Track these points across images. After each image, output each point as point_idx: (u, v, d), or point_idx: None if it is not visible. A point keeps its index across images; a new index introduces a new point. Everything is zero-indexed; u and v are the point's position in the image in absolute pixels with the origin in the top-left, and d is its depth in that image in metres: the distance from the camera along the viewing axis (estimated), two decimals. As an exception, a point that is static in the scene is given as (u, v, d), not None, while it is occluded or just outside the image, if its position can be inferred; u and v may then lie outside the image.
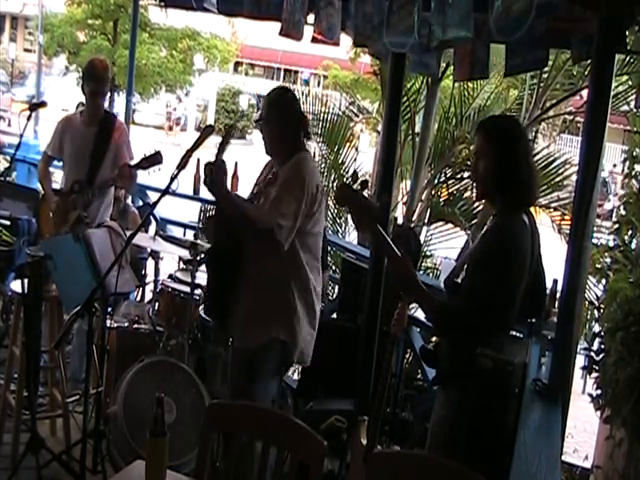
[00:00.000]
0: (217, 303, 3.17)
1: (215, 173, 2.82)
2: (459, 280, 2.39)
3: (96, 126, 4.13)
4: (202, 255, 3.85)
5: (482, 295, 2.24)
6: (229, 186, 3.13)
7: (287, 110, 3.04)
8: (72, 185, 4.13)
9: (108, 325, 3.48)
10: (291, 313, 2.97)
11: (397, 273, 2.40)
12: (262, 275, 2.97)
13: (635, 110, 4.95)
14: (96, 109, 4.14)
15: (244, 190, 3.42)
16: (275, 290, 2.97)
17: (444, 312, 2.33)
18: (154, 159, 3.84)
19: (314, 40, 3.43)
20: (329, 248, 5.70)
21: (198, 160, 5.88)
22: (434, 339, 4.31)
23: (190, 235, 5.58)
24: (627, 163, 4.20)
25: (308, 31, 3.43)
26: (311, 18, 3.40)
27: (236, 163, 5.56)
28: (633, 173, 4.14)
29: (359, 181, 2.46)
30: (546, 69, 5.72)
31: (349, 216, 2.65)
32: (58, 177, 4.63)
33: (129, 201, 5.29)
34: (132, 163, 3.94)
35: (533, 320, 3.06)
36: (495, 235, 2.35)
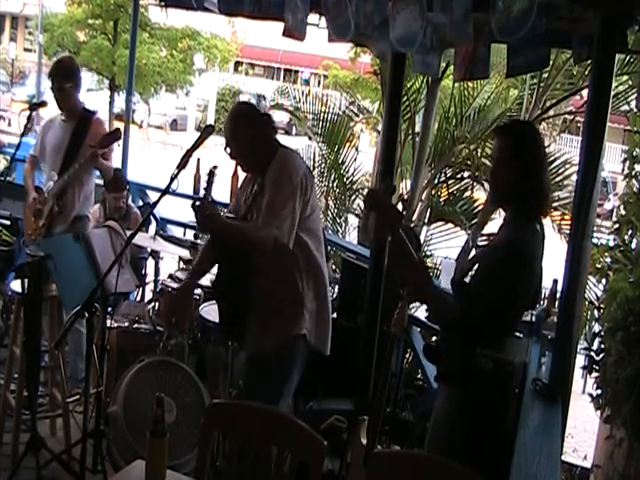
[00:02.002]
0: (234, 322, 3.08)
1: (202, 213, 2.81)
2: (467, 280, 2.39)
3: (74, 122, 4.20)
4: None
5: (494, 304, 2.24)
6: (230, 189, 3.12)
7: (249, 124, 2.98)
8: (49, 179, 4.19)
9: (108, 325, 3.48)
10: (304, 302, 2.95)
11: (414, 280, 2.38)
12: (269, 268, 2.92)
13: (635, 110, 4.94)
14: (67, 104, 4.20)
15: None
16: (285, 279, 2.95)
17: (464, 319, 2.28)
18: (113, 136, 3.94)
19: (331, 40, 3.40)
20: (329, 248, 5.71)
21: (198, 160, 5.89)
22: (434, 338, 4.32)
23: (190, 235, 5.57)
24: (627, 163, 4.20)
25: (310, 31, 3.42)
26: (312, 18, 3.39)
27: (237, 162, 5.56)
28: (633, 173, 4.13)
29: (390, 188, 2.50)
30: (546, 69, 5.71)
31: (370, 218, 2.63)
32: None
33: (130, 201, 5.29)
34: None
35: (533, 320, 3.07)
36: (513, 245, 2.32)
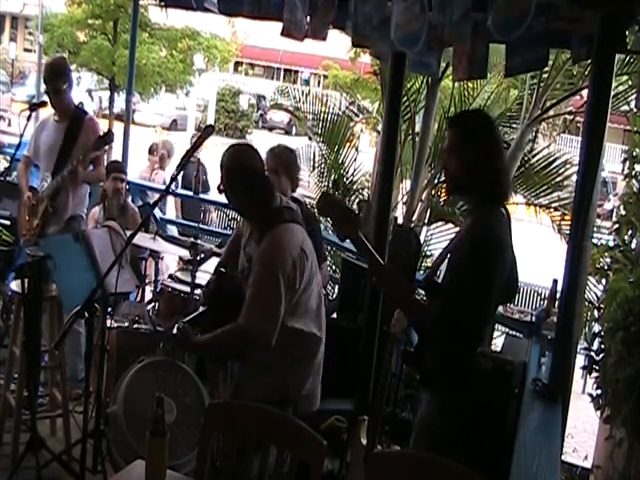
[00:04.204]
0: None
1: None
2: (438, 279, 2.36)
3: (66, 121, 4.21)
4: (202, 255, 3.84)
5: (471, 300, 2.19)
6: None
7: (246, 172, 2.74)
8: (43, 179, 4.19)
9: (108, 325, 3.48)
10: (290, 375, 2.84)
11: (381, 281, 2.36)
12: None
13: (635, 110, 4.95)
14: (61, 104, 4.20)
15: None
16: (270, 358, 2.77)
17: (444, 318, 2.22)
18: (107, 138, 3.95)
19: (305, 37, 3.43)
20: (329, 248, 5.71)
21: (198, 160, 5.89)
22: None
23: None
24: (627, 163, 4.20)
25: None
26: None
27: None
28: (633, 173, 4.14)
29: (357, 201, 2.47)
30: (546, 69, 5.71)
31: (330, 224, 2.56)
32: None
33: (129, 200, 5.29)
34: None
35: (533, 320, 3.07)
36: (479, 235, 2.28)
